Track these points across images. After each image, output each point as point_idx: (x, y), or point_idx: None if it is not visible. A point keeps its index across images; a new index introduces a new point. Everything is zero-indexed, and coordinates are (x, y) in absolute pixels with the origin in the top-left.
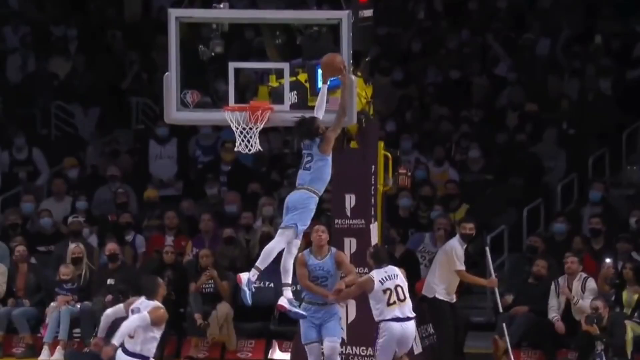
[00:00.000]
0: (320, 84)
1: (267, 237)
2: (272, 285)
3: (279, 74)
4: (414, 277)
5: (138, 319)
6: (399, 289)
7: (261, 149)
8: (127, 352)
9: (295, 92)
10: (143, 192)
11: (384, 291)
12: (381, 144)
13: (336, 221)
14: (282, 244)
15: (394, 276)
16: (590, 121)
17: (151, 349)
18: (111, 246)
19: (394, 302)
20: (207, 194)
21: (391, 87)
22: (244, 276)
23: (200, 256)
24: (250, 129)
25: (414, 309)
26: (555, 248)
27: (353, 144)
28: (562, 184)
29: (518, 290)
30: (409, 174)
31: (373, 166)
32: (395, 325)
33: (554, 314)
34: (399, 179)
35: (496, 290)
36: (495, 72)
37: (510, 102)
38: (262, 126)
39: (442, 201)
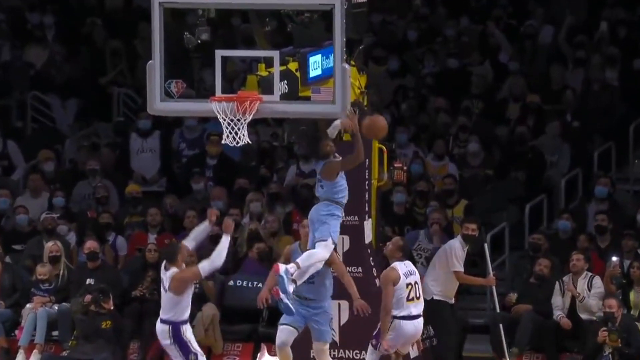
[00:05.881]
0: (311, 74)
1: (255, 235)
2: (260, 285)
3: (269, 62)
4: None
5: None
6: (417, 286)
7: (249, 142)
8: (161, 320)
9: (285, 81)
10: (124, 187)
11: (407, 285)
12: None
13: None
14: (325, 254)
15: (413, 272)
16: (596, 113)
17: (178, 314)
18: (90, 244)
19: (413, 299)
20: (192, 189)
21: (386, 77)
22: (281, 266)
23: None
24: (238, 120)
25: None
26: (560, 246)
27: (346, 137)
28: (565, 179)
29: (520, 291)
30: (405, 168)
31: (367, 160)
32: (408, 324)
33: (558, 313)
34: (394, 174)
35: (494, 289)
36: (495, 61)
37: (511, 93)
38: (250, 117)
39: (439, 197)
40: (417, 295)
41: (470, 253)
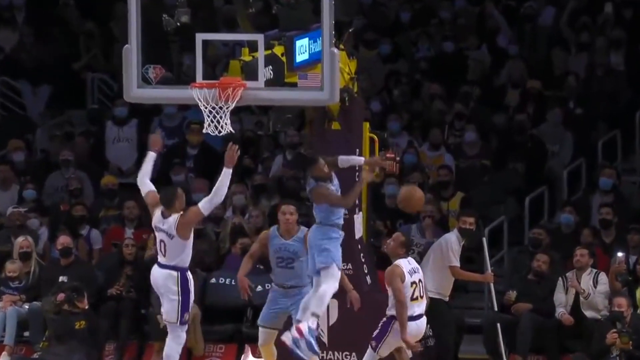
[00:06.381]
0: (298, 59)
1: (239, 230)
2: None
3: (253, 46)
4: None
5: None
6: (421, 284)
7: (232, 131)
8: (166, 266)
9: (270, 67)
10: (99, 179)
11: (412, 284)
12: (366, 125)
13: None
14: (334, 285)
15: (417, 269)
16: (600, 100)
17: (184, 259)
18: (64, 239)
19: (417, 298)
20: (172, 181)
21: (378, 62)
22: (303, 326)
23: None
24: (221, 108)
25: None
26: (562, 241)
27: (335, 125)
28: (568, 170)
29: (518, 288)
30: (398, 158)
31: (357, 150)
32: (411, 325)
33: (560, 310)
34: (387, 164)
35: (492, 286)
36: (493, 45)
37: (510, 78)
38: (233, 105)
39: (434, 189)
40: (421, 294)
41: (466, 248)
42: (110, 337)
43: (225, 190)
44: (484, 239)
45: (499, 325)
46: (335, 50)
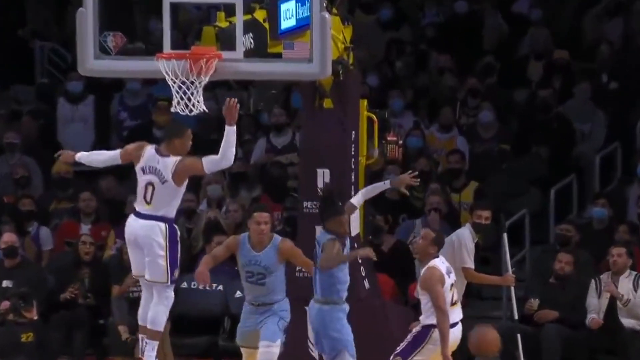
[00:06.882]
0: (283, 25)
1: (214, 225)
2: (220, 288)
3: (230, 10)
4: (407, 277)
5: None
6: (456, 285)
7: (206, 110)
8: (150, 217)
9: (250, 34)
10: (50, 166)
11: (451, 286)
12: (363, 103)
13: (305, 204)
14: None
15: (451, 269)
16: (638, 73)
17: (172, 209)
18: (8, 237)
19: (456, 302)
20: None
21: (377, 29)
22: None
23: (125, 250)
24: (192, 83)
25: (407, 318)
26: (593, 239)
27: (327, 103)
28: (600, 156)
29: (539, 294)
30: (400, 142)
31: (353, 132)
32: (454, 331)
33: (592, 316)
34: (387, 149)
35: (512, 290)
36: (513, 9)
37: (533, 48)
38: (207, 79)
39: (443, 178)
40: (459, 297)
41: (481, 246)
42: (62, 351)
43: (234, 151)
44: (504, 235)
45: (519, 336)
46: (327, 14)
